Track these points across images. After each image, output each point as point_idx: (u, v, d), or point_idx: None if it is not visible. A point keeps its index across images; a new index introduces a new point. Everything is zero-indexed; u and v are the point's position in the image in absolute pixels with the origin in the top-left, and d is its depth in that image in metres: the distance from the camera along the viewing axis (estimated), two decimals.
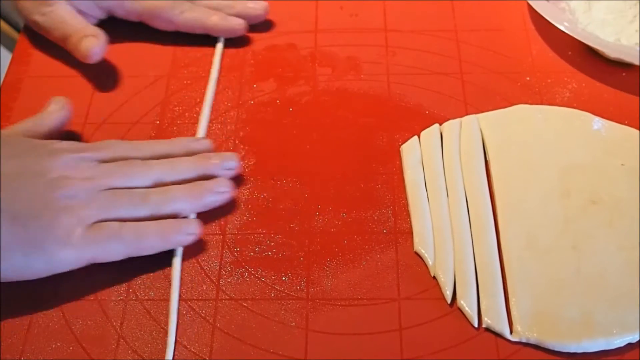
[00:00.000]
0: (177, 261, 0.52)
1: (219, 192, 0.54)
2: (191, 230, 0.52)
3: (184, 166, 0.54)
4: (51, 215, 0.48)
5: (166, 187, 0.53)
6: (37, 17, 0.63)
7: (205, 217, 0.55)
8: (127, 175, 0.52)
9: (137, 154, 0.54)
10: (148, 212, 0.51)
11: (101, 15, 0.65)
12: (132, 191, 0.51)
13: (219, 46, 0.65)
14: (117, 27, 0.65)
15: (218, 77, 0.64)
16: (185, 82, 0.64)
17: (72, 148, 0.52)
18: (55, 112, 0.57)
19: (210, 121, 0.61)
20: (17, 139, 0.53)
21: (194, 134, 0.60)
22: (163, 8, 0.64)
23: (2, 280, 0.48)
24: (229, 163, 0.55)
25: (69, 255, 0.49)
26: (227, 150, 0.59)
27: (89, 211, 0.49)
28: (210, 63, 0.65)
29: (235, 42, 0.66)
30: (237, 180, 0.57)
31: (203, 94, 0.63)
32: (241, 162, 0.56)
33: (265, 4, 0.66)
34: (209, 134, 0.60)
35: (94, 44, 0.61)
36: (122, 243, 0.50)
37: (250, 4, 0.66)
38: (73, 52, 0.62)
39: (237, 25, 0.65)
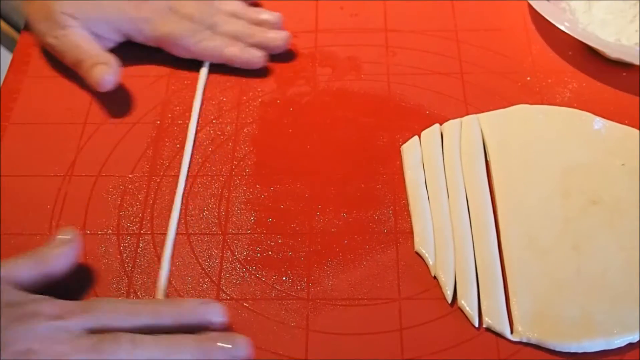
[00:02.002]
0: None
1: None
2: None
3: (182, 349, 0.44)
4: None
5: None
6: (51, 40, 0.61)
7: (205, 217, 0.55)
8: (107, 354, 0.43)
9: (130, 323, 0.45)
10: None
11: (119, 39, 0.63)
12: None
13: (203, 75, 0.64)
14: None
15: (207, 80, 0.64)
16: (185, 82, 0.64)
17: (52, 312, 0.44)
18: (61, 253, 0.49)
19: (210, 121, 0.61)
20: None
21: (194, 134, 0.60)
22: (181, 36, 0.62)
23: None
24: (239, 350, 0.46)
25: None
26: (227, 149, 0.59)
27: None
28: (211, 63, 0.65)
29: None
30: (238, 180, 0.57)
31: (203, 93, 0.63)
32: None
33: (286, 34, 0.64)
34: (208, 134, 0.60)
35: (105, 72, 0.59)
36: None
37: (271, 34, 0.64)
38: (85, 79, 0.60)
39: (256, 57, 0.63)
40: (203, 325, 0.46)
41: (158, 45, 0.63)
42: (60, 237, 0.50)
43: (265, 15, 0.65)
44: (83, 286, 0.51)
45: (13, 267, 0.47)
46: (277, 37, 0.64)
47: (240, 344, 0.46)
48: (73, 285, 0.51)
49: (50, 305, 0.45)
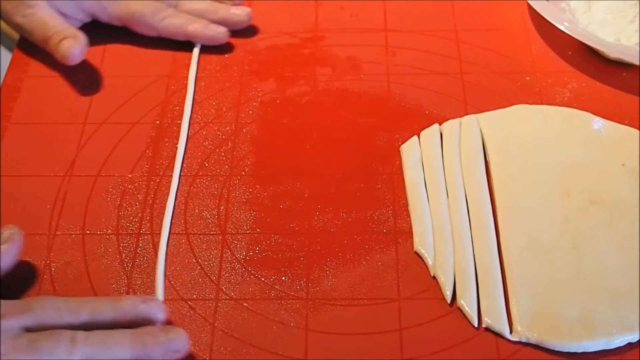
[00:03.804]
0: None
1: None
2: None
3: (119, 345, 0.44)
4: None
5: None
6: (19, 19, 0.62)
7: (205, 216, 0.55)
8: (46, 351, 0.43)
9: (70, 320, 0.45)
10: None
11: (85, 18, 0.65)
12: None
13: (196, 51, 0.65)
14: (117, 27, 0.66)
15: (195, 79, 0.64)
16: (185, 82, 0.64)
17: None
18: (3, 251, 0.49)
19: (210, 121, 0.61)
20: None
21: (194, 134, 0.60)
22: (145, 14, 0.64)
23: None
24: (176, 344, 0.46)
25: None
26: (227, 149, 0.59)
27: None
28: (211, 62, 0.65)
29: (235, 42, 0.66)
30: (237, 179, 0.57)
31: (203, 93, 0.63)
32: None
33: (248, 10, 0.66)
34: (209, 134, 0.60)
35: (72, 46, 0.60)
36: None
37: (234, 10, 0.66)
38: (53, 54, 0.61)
39: (219, 33, 0.65)
40: (144, 323, 0.46)
41: (123, 24, 0.65)
42: (2, 234, 0.50)
43: None
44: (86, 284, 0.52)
45: None
46: (240, 13, 0.66)
47: (178, 338, 0.46)
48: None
49: None
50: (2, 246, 0.49)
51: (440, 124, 0.59)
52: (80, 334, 0.44)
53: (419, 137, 0.59)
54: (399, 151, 0.58)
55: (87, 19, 0.65)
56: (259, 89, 0.63)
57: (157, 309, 0.47)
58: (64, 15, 0.63)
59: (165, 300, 0.51)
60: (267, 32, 0.67)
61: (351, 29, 0.67)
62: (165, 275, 0.52)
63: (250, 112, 0.61)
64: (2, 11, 0.63)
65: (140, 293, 0.51)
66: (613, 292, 0.49)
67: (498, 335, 0.49)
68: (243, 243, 0.54)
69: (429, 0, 0.69)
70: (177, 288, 0.51)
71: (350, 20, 0.68)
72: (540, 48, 0.65)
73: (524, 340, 0.48)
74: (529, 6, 0.66)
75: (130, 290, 0.51)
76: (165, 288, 0.51)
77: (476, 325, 0.49)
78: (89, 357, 0.44)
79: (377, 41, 0.66)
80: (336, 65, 0.65)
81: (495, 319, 0.49)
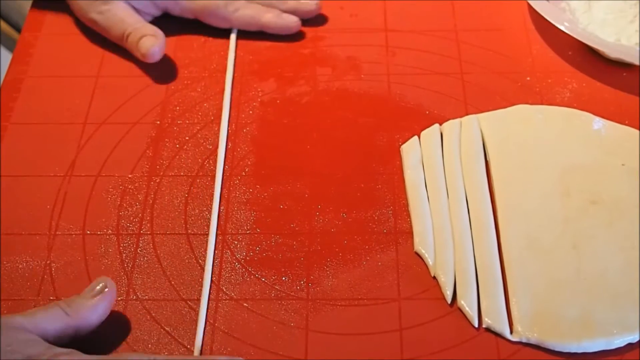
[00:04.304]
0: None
1: None
2: None
3: None
4: None
5: None
6: (95, 16, 0.63)
7: (205, 216, 0.55)
8: None
9: None
10: None
11: (156, 13, 0.66)
12: None
13: (232, 42, 0.66)
14: None
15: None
16: (185, 82, 0.64)
17: None
18: (94, 306, 0.46)
19: (210, 121, 0.61)
20: (13, 343, 0.42)
21: (194, 134, 0.60)
22: (218, 6, 0.64)
23: None
24: None
25: None
26: (227, 149, 0.59)
27: None
28: (211, 63, 0.65)
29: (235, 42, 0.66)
30: (237, 179, 0.57)
31: (203, 93, 0.63)
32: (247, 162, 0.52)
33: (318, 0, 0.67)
34: (209, 134, 0.60)
35: (153, 44, 0.61)
36: None
37: (305, 0, 0.66)
38: (132, 51, 0.63)
39: (292, 22, 0.65)
40: None
41: (195, 17, 0.65)
42: (95, 286, 0.47)
43: None
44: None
45: (42, 318, 0.44)
46: (309, 2, 0.66)
47: None
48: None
49: (70, 355, 0.43)
50: (89, 302, 0.46)
51: (440, 124, 0.59)
52: None
53: (419, 137, 0.59)
54: (399, 151, 0.58)
55: (159, 14, 0.66)
56: (259, 89, 0.63)
57: None
58: (137, 10, 0.64)
59: (165, 300, 0.51)
60: (267, 32, 0.67)
61: (351, 29, 0.67)
62: (165, 275, 0.52)
63: (250, 112, 0.61)
64: (77, 7, 0.64)
65: (140, 294, 0.51)
66: (613, 292, 0.49)
67: (498, 335, 0.49)
68: (243, 243, 0.54)
69: (429, 0, 0.69)
70: (177, 288, 0.51)
71: (350, 20, 0.68)
72: (540, 48, 0.65)
73: (524, 340, 0.48)
74: (529, 6, 0.66)
75: (130, 290, 0.51)
76: (166, 288, 0.51)
77: (476, 325, 0.49)
78: None
79: (377, 41, 0.66)
80: (336, 65, 0.65)
81: (496, 319, 0.49)
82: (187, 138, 0.60)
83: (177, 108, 0.62)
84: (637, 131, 0.58)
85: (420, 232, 0.53)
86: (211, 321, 0.50)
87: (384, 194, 0.56)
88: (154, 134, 0.60)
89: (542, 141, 0.57)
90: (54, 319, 0.45)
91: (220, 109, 0.62)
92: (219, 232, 0.54)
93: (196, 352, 0.48)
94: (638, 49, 0.61)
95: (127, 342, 0.49)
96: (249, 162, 0.58)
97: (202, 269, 0.52)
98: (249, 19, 0.65)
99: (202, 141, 0.60)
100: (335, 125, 0.60)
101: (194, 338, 0.49)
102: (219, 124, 0.61)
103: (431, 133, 0.59)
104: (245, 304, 0.51)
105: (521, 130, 0.58)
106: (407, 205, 0.55)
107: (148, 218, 0.55)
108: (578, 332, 0.48)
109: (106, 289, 0.47)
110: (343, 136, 0.60)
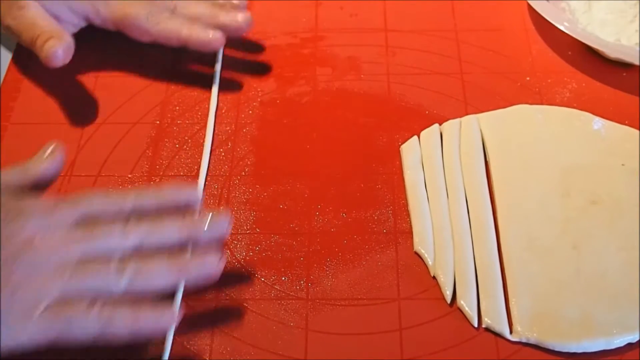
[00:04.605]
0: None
1: (205, 269, 0.47)
2: (166, 322, 0.46)
3: (168, 230, 0.47)
4: (11, 288, 0.43)
5: (145, 260, 0.46)
6: (9, 21, 0.60)
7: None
8: (101, 240, 0.46)
9: (116, 209, 0.48)
10: (122, 286, 0.45)
11: (79, 22, 0.62)
12: (107, 261, 0.45)
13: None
14: None
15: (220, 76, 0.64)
16: (185, 82, 0.64)
17: (42, 207, 0.47)
18: (43, 160, 0.50)
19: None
20: None
21: (194, 134, 0.60)
22: (138, 17, 0.60)
23: None
24: (218, 228, 0.48)
25: (26, 334, 0.43)
26: (227, 149, 0.59)
27: (53, 285, 0.44)
28: (210, 62, 0.65)
29: (235, 42, 0.66)
30: (237, 180, 0.57)
31: (203, 93, 0.63)
32: (229, 224, 0.50)
33: (248, 16, 0.62)
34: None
35: (55, 45, 0.57)
36: (88, 326, 0.43)
37: (232, 15, 0.62)
38: (38, 55, 0.58)
39: (214, 39, 0.60)
40: (183, 207, 0.49)
41: (117, 29, 0.62)
42: (46, 150, 0.51)
43: None
44: None
45: (2, 175, 0.49)
46: (239, 19, 0.62)
47: (220, 222, 0.48)
48: None
49: (42, 201, 0.47)
50: (43, 160, 0.50)
51: (440, 124, 0.59)
52: (132, 220, 0.47)
53: (419, 137, 0.59)
54: (399, 151, 0.58)
55: (82, 23, 0.62)
56: (258, 89, 0.63)
57: (193, 192, 0.51)
58: (57, 18, 0.60)
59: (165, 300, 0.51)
60: (267, 32, 0.67)
61: (351, 29, 0.67)
62: None
63: (250, 112, 0.61)
64: None
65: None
66: (613, 292, 0.49)
67: (498, 335, 0.49)
68: (243, 243, 0.54)
69: (429, 0, 0.69)
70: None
71: (350, 20, 0.68)
72: (540, 48, 0.65)
73: (523, 340, 0.48)
74: (529, 6, 0.66)
75: None
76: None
77: (476, 325, 0.49)
78: (142, 240, 0.46)
79: (377, 41, 0.66)
80: (336, 65, 0.65)
81: (495, 319, 0.49)
82: (187, 138, 0.60)
83: (177, 108, 0.62)
84: (637, 131, 0.58)
85: (420, 232, 0.53)
86: (211, 321, 0.50)
87: (384, 194, 0.56)
88: (154, 134, 0.60)
89: (542, 141, 0.57)
90: (12, 175, 0.49)
91: (220, 109, 0.62)
92: None
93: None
94: (638, 49, 0.61)
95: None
96: (248, 162, 0.58)
97: None
98: (169, 33, 0.60)
99: (202, 141, 0.60)
100: (335, 125, 0.60)
101: (194, 338, 0.49)
102: (219, 124, 0.61)
103: (431, 133, 0.59)
104: (245, 304, 0.51)
105: (521, 130, 0.58)
106: (406, 205, 0.55)
107: None
108: (578, 332, 0.48)
109: (55, 149, 0.51)
110: (343, 136, 0.60)
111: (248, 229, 0.54)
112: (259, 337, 0.49)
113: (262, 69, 0.64)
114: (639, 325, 0.48)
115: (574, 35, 0.61)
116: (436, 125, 0.59)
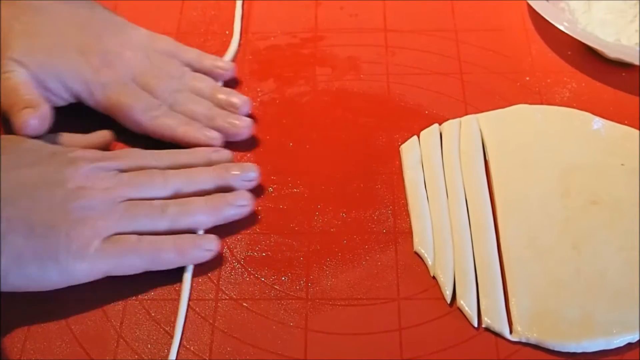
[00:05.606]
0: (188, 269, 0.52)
1: (239, 206, 0.53)
2: (209, 247, 0.52)
3: (203, 177, 0.53)
4: (68, 227, 0.48)
5: (185, 200, 0.52)
6: None
7: None
8: (145, 186, 0.51)
9: (156, 164, 0.53)
10: (166, 225, 0.51)
11: (69, 99, 0.58)
12: (151, 203, 0.51)
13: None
14: None
15: None
16: None
17: (91, 157, 0.52)
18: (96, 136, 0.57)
19: None
20: (36, 144, 0.52)
21: None
22: (134, 109, 0.57)
23: (16, 290, 0.48)
24: (248, 174, 0.55)
25: (84, 268, 0.48)
26: (226, 149, 0.59)
27: (106, 223, 0.49)
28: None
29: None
30: None
31: None
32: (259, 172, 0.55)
33: (249, 121, 0.59)
34: None
35: (29, 115, 0.53)
36: (138, 257, 0.49)
37: (233, 120, 0.58)
38: (13, 124, 0.54)
39: (211, 140, 0.57)
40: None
41: (108, 114, 0.58)
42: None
43: (233, 98, 0.59)
44: (87, 284, 0.50)
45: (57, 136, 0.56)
46: (239, 124, 0.58)
47: (249, 168, 0.55)
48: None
49: (88, 151, 0.53)
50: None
51: (440, 124, 0.59)
52: (170, 170, 0.53)
53: (418, 137, 0.59)
54: (398, 151, 0.58)
55: (72, 100, 0.58)
56: (258, 89, 0.63)
57: (226, 154, 0.56)
58: (47, 89, 0.56)
59: (165, 300, 0.51)
60: (267, 32, 0.67)
61: (351, 29, 0.67)
62: (165, 273, 0.52)
63: (250, 112, 0.61)
64: None
65: (141, 294, 0.51)
66: (613, 292, 0.49)
67: (498, 335, 0.49)
68: (243, 243, 0.54)
69: (429, 0, 0.69)
70: (177, 288, 0.51)
71: (350, 20, 0.68)
72: (540, 48, 0.65)
73: (523, 340, 0.48)
74: (529, 6, 0.66)
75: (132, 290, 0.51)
76: (165, 288, 0.52)
77: (476, 325, 0.49)
78: (180, 188, 0.52)
79: (377, 41, 0.66)
80: (336, 65, 0.65)
81: (495, 319, 0.49)
82: None
83: None
84: (637, 131, 0.58)
85: (420, 232, 0.53)
86: (211, 321, 0.50)
87: (384, 194, 0.56)
88: None
89: (541, 141, 0.57)
90: (66, 135, 0.56)
91: None
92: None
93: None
94: (638, 49, 0.61)
95: (125, 341, 0.49)
96: (248, 162, 0.58)
97: (203, 269, 0.52)
98: (164, 129, 0.57)
99: None
100: (334, 125, 0.60)
101: (194, 338, 0.49)
102: None
103: (430, 133, 0.59)
104: (244, 304, 0.51)
105: (521, 130, 0.58)
106: (406, 205, 0.55)
107: None
108: (578, 332, 0.48)
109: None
110: (343, 136, 0.60)
111: (248, 229, 0.54)
112: (259, 337, 0.49)
113: (262, 69, 0.64)
114: (639, 325, 0.48)
115: (573, 35, 0.61)
116: (436, 125, 0.59)
